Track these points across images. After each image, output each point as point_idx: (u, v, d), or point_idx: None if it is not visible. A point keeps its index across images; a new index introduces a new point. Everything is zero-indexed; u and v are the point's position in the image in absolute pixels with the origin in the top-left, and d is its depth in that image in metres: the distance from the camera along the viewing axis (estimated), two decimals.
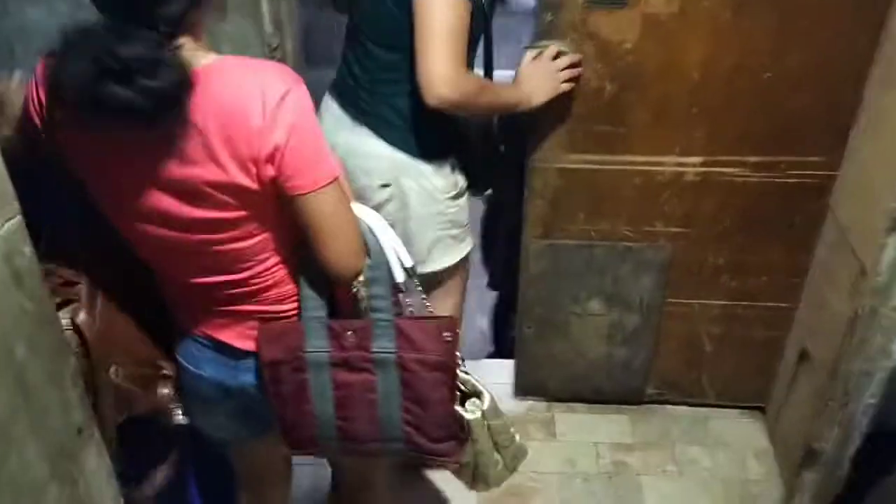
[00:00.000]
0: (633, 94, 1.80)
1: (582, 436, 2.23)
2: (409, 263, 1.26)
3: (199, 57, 1.06)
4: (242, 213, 1.13)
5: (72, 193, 1.22)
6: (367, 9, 1.65)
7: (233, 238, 1.16)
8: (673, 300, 2.09)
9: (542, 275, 2.09)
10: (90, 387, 1.17)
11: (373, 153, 1.70)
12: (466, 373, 1.34)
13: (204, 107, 1.03)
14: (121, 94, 0.94)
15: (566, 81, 1.76)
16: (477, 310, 2.67)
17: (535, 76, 1.74)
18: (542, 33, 1.76)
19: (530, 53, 1.75)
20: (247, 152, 1.05)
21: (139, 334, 1.36)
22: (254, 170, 1.07)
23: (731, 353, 2.17)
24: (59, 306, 1.20)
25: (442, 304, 1.80)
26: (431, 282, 1.77)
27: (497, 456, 1.42)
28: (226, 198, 1.10)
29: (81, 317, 1.23)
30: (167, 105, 0.98)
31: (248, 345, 1.29)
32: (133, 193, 1.12)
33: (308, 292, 1.25)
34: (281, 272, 1.25)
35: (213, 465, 1.73)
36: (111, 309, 1.30)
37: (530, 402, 2.35)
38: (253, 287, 1.24)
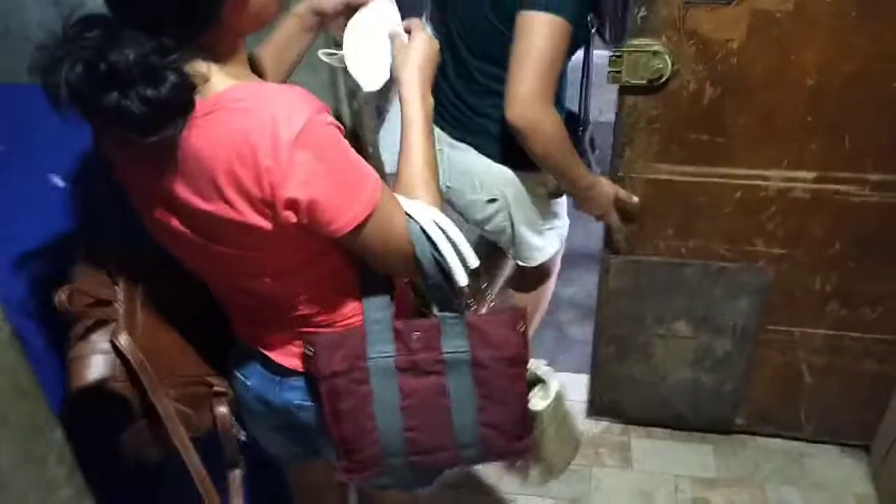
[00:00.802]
0: (737, 99, 1.60)
1: (660, 466, 2.05)
2: (474, 264, 1.11)
3: (215, 81, 0.93)
4: (265, 252, 1.01)
5: (110, 203, 1.14)
6: (467, 21, 1.62)
7: (262, 273, 1.05)
8: (771, 327, 1.89)
9: (623, 292, 1.91)
10: (148, 415, 1.11)
11: (477, 170, 1.73)
12: None
13: (211, 138, 0.91)
14: (112, 101, 0.84)
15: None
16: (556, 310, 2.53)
17: (600, 192, 1.72)
18: (634, 31, 1.58)
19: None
20: (257, 194, 0.92)
21: (187, 350, 1.27)
22: (269, 212, 0.94)
23: (833, 386, 1.95)
24: (92, 329, 1.11)
25: (542, 292, 2.05)
26: (537, 274, 1.98)
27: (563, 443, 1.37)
28: (243, 237, 0.98)
29: (123, 339, 1.13)
30: (162, 117, 0.87)
31: (294, 363, 1.18)
32: (155, 209, 1.03)
33: (368, 291, 1.14)
34: (331, 297, 1.13)
35: (268, 484, 1.64)
36: (155, 325, 1.20)
37: (605, 424, 2.19)
38: (297, 314, 1.13)
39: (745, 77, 1.57)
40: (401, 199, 1.06)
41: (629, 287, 1.90)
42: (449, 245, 1.06)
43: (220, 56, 0.95)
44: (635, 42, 1.58)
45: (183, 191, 0.95)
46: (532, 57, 1.44)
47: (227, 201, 0.93)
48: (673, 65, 1.58)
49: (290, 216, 0.93)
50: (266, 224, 0.95)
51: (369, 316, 1.13)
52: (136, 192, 1.06)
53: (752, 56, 1.55)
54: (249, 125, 0.89)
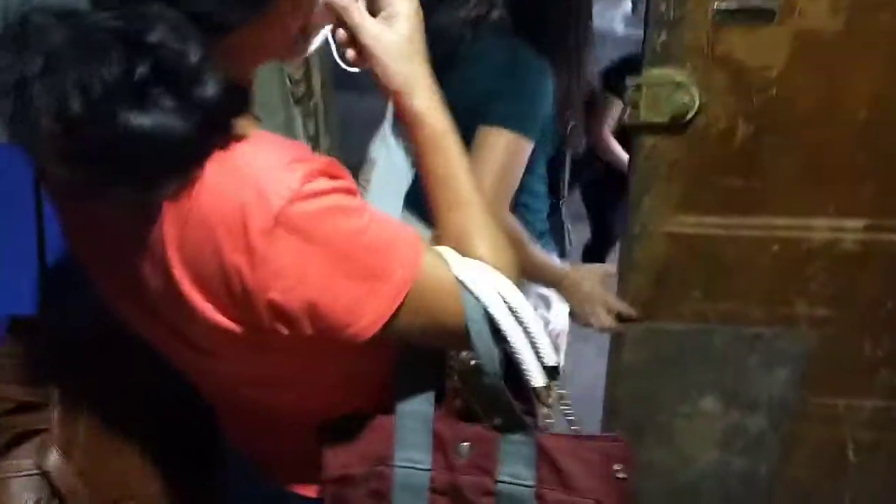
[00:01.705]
0: (777, 137, 1.35)
1: None
2: (552, 361, 0.80)
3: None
4: (250, 362, 0.73)
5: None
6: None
7: (266, 383, 0.80)
8: (812, 399, 1.62)
9: (640, 366, 1.63)
10: None
11: None
12: None
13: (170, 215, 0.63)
14: (139, 119, 0.57)
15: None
16: None
17: (586, 287, 1.56)
18: (654, 60, 1.32)
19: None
20: (226, 297, 0.65)
21: (149, 469, 0.96)
22: (245, 318, 0.66)
23: (882, 465, 1.69)
24: (15, 442, 0.83)
25: None
26: None
27: None
28: (216, 344, 0.70)
29: (52, 460, 0.83)
30: (211, 131, 0.61)
31: (304, 489, 0.90)
32: (109, 277, 0.76)
33: (405, 373, 0.83)
34: (360, 390, 0.85)
35: None
36: (102, 437, 0.89)
37: None
38: (315, 419, 0.84)
39: (785, 111, 1.33)
40: (450, 255, 0.76)
41: (647, 360, 1.62)
42: (518, 328, 0.75)
43: (239, 66, 0.69)
44: (655, 73, 1.33)
45: (135, 260, 0.69)
46: (487, 172, 1.34)
47: (186, 300, 0.66)
48: (700, 98, 1.33)
49: (279, 325, 0.65)
50: (246, 332, 0.67)
51: (403, 407, 0.82)
52: (89, 252, 0.78)
53: (795, 86, 1.31)
54: (218, 199, 0.62)
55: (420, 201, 1.43)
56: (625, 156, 2.72)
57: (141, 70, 0.56)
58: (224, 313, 0.67)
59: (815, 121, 1.33)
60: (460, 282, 0.75)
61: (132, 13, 0.58)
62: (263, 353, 0.72)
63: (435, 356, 0.82)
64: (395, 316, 0.70)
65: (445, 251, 0.78)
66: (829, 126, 1.33)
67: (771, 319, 1.53)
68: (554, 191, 1.72)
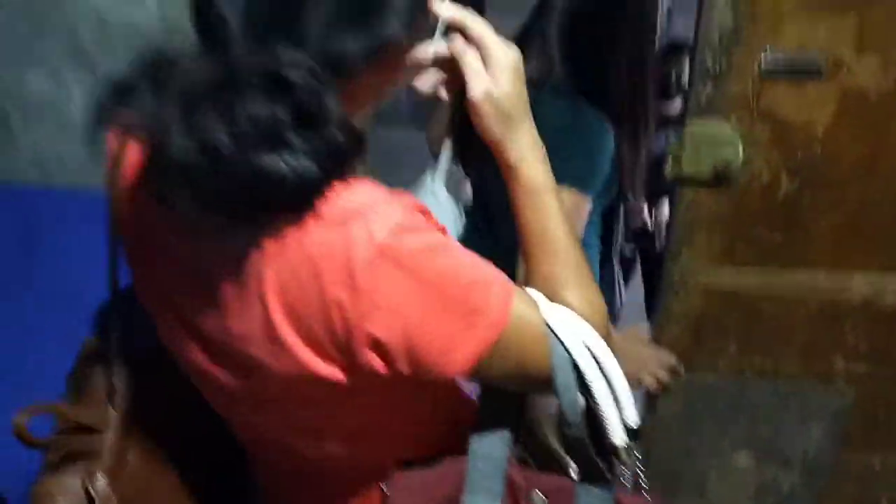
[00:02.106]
0: (821, 193, 1.34)
1: None
2: (633, 421, 0.78)
3: None
4: (335, 410, 0.73)
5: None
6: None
7: (331, 436, 0.78)
8: (847, 456, 1.59)
9: (675, 418, 1.61)
10: None
11: None
12: None
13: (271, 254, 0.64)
14: (269, 160, 0.57)
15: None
16: None
17: (633, 352, 1.46)
18: (698, 111, 1.32)
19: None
20: (324, 335, 0.64)
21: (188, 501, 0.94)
22: (341, 359, 0.65)
23: None
24: (69, 458, 0.83)
25: None
26: None
27: None
28: (298, 391, 0.69)
29: (98, 483, 0.82)
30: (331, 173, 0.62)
31: None
32: (177, 321, 0.75)
33: (484, 417, 0.81)
34: (428, 436, 0.84)
35: None
36: (150, 467, 0.89)
37: None
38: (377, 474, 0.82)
39: (830, 167, 1.32)
40: (540, 299, 0.76)
41: (682, 412, 1.59)
42: (604, 384, 0.74)
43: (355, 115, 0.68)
44: (699, 124, 1.32)
45: (217, 312, 0.68)
46: None
47: (277, 342, 0.66)
48: (744, 152, 1.32)
49: (377, 362, 0.65)
50: (338, 374, 0.66)
51: (477, 449, 0.79)
52: (151, 291, 0.79)
53: (841, 143, 1.30)
54: (316, 247, 0.63)
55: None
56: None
57: (282, 111, 0.57)
58: (322, 356, 0.66)
59: (859, 178, 1.32)
60: (549, 327, 0.73)
61: (267, 55, 0.59)
62: (349, 399, 0.71)
63: (515, 400, 0.80)
64: (485, 355, 0.68)
65: (535, 294, 0.76)
66: (872, 184, 1.32)
67: (808, 375, 1.51)
68: (606, 242, 1.68)
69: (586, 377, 0.73)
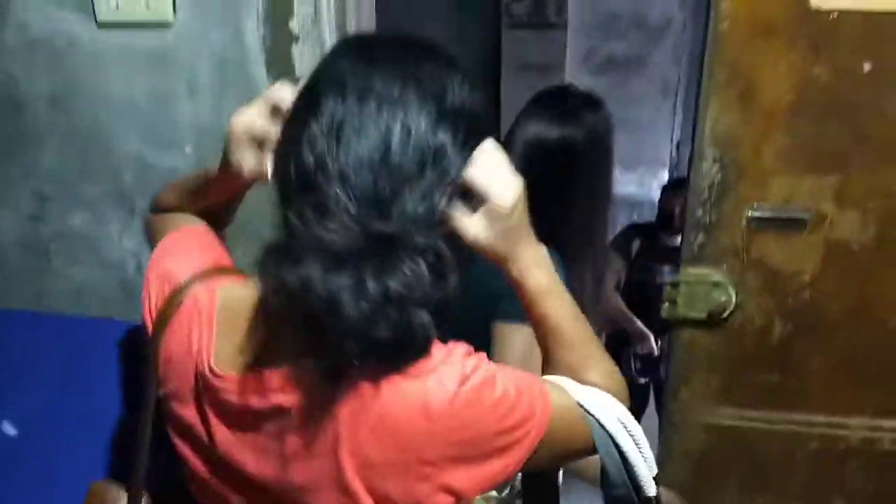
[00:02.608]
0: (812, 338, 1.40)
1: None
2: (651, 491, 0.89)
3: None
4: None
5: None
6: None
7: None
8: None
9: None
10: None
11: None
12: None
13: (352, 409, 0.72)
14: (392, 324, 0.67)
15: None
16: None
17: None
18: (691, 259, 1.40)
19: None
20: (396, 488, 0.73)
21: None
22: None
23: None
24: None
25: None
26: None
27: None
28: None
29: None
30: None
31: None
32: (219, 472, 0.81)
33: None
34: None
35: None
36: None
37: None
38: None
39: (820, 314, 1.38)
40: (567, 384, 0.86)
41: None
42: (635, 448, 0.85)
43: None
44: (693, 272, 1.40)
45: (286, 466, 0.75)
46: (511, 364, 1.35)
47: (347, 492, 0.73)
48: (736, 297, 1.39)
49: (444, 499, 0.74)
50: None
51: None
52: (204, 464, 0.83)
53: (828, 291, 1.37)
54: (397, 405, 0.71)
55: None
56: (625, 310, 2.90)
57: (422, 271, 0.67)
58: None
59: (848, 324, 1.38)
60: (583, 408, 0.83)
61: (396, 223, 0.69)
62: None
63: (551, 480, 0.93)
64: (536, 450, 0.77)
65: (563, 380, 0.85)
66: (861, 330, 1.38)
67: None
68: None
69: (621, 446, 0.83)
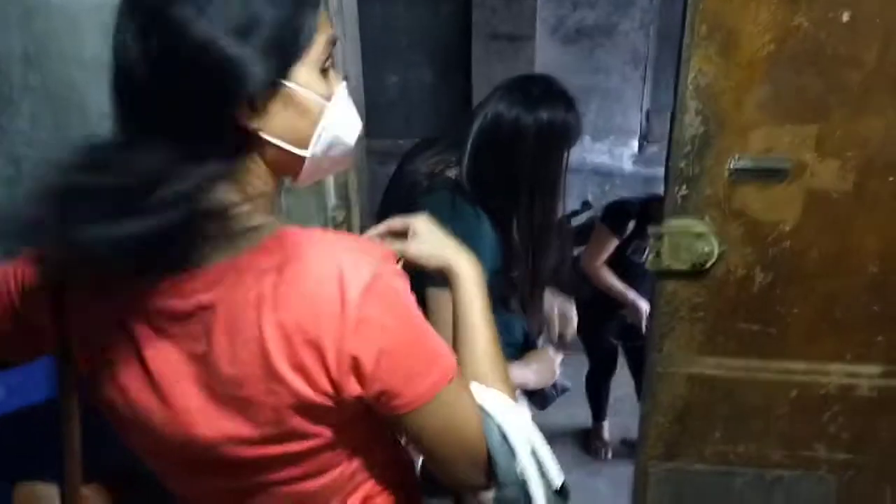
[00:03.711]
0: (792, 287, 1.43)
1: None
2: (557, 482, 0.90)
3: (260, 220, 0.79)
4: (315, 441, 0.82)
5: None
6: None
7: (304, 475, 0.85)
8: None
9: None
10: None
11: None
12: None
13: (258, 298, 0.75)
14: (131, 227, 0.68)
15: None
16: None
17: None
18: (674, 211, 1.41)
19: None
20: (316, 363, 0.75)
21: None
22: (328, 386, 0.76)
23: None
24: None
25: None
26: None
27: None
28: (291, 423, 0.79)
29: None
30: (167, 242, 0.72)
31: None
32: (156, 408, 0.82)
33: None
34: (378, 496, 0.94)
35: None
36: None
37: None
38: None
39: (799, 263, 1.41)
40: (475, 386, 0.91)
41: (670, 500, 1.63)
42: (529, 453, 0.86)
43: (248, 189, 0.80)
44: (676, 223, 1.41)
45: (209, 365, 0.79)
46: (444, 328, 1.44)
47: (276, 377, 0.76)
48: (719, 248, 1.41)
49: (352, 385, 0.76)
50: (325, 401, 0.77)
51: None
52: (120, 389, 0.83)
53: (808, 240, 1.39)
54: (314, 282, 0.75)
55: None
56: (618, 284, 2.89)
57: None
58: (313, 386, 0.76)
59: (828, 272, 1.41)
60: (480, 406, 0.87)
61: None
62: (324, 426, 0.81)
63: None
64: (433, 396, 0.81)
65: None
66: (840, 278, 1.41)
67: (791, 463, 1.56)
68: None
69: (514, 447, 0.86)
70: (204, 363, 0.78)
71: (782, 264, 1.41)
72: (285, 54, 0.76)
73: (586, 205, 3.26)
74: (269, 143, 0.79)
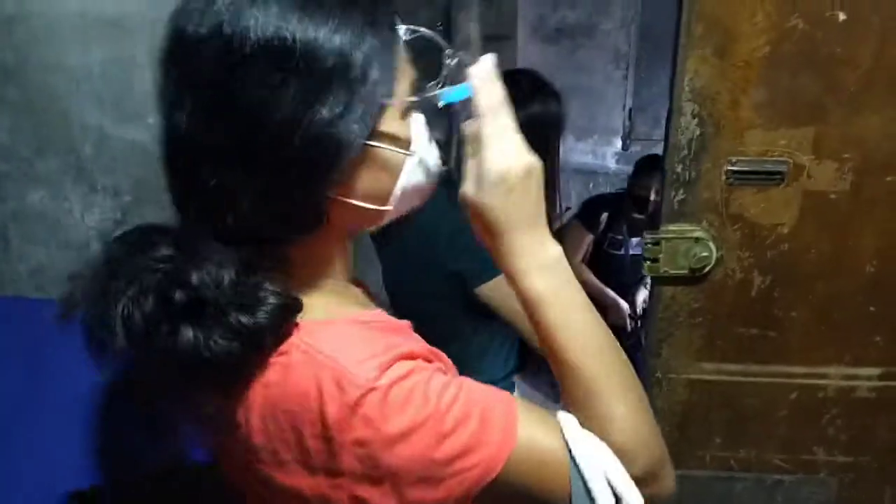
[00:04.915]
0: (790, 290, 1.41)
1: None
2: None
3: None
4: None
5: None
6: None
7: None
8: None
9: None
10: None
11: None
12: None
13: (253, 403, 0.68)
14: (187, 339, 0.62)
15: None
16: None
17: None
18: (671, 216, 1.39)
19: None
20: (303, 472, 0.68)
21: None
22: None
23: None
24: None
25: None
26: None
27: None
28: None
29: None
30: (251, 352, 0.65)
31: None
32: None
33: None
34: None
35: None
36: None
37: None
38: None
39: (797, 265, 1.40)
40: (569, 424, 0.71)
41: None
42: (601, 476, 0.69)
43: (313, 268, 0.75)
44: (673, 228, 1.40)
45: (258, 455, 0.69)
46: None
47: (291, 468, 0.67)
48: (717, 252, 1.39)
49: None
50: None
51: None
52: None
53: (806, 242, 1.38)
54: (291, 390, 0.65)
55: None
56: (597, 283, 2.87)
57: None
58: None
59: (826, 274, 1.39)
60: (572, 456, 0.69)
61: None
62: None
63: None
64: (489, 485, 0.67)
65: (565, 417, 0.73)
66: (838, 279, 1.39)
67: (791, 466, 1.54)
68: None
69: (593, 491, 0.69)
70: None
71: (780, 267, 1.40)
72: (371, 109, 0.68)
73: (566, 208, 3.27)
74: (346, 205, 0.71)
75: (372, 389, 0.63)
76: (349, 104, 0.65)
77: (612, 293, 2.85)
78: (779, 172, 1.34)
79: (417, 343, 0.73)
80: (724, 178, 1.36)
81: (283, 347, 0.67)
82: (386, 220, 0.77)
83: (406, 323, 0.79)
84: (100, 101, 1.35)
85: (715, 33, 1.28)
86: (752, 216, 1.38)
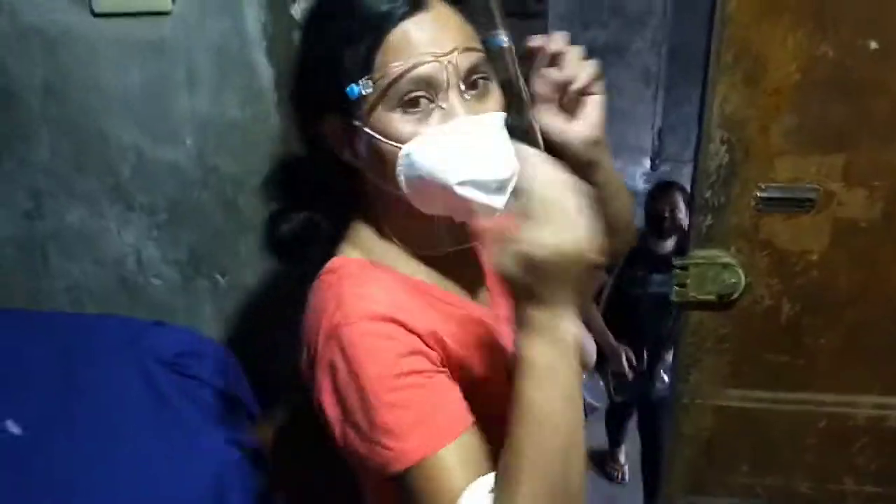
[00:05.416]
0: (819, 317, 1.40)
1: None
2: None
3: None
4: None
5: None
6: None
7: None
8: None
9: None
10: None
11: None
12: None
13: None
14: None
15: None
16: None
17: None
18: (700, 242, 1.40)
19: None
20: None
21: None
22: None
23: None
24: None
25: None
26: None
27: None
28: None
29: None
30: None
31: None
32: None
33: None
34: None
35: None
36: None
37: None
38: None
39: (827, 292, 1.39)
40: (482, 483, 0.71)
41: None
42: None
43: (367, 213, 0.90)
44: (702, 253, 1.39)
45: None
46: None
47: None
48: (745, 278, 1.39)
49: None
50: None
51: None
52: None
53: (835, 270, 1.37)
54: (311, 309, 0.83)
55: None
56: (601, 325, 2.75)
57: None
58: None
59: (855, 302, 1.38)
60: None
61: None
62: None
63: None
64: (401, 476, 0.71)
65: (485, 480, 0.71)
66: (869, 308, 1.38)
67: (819, 495, 1.53)
68: None
69: None
70: None
71: (810, 294, 1.39)
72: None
73: None
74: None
75: (350, 325, 0.75)
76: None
77: (611, 339, 2.76)
78: (809, 199, 1.34)
79: (430, 323, 0.79)
80: (753, 204, 1.35)
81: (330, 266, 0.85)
82: (425, 208, 0.81)
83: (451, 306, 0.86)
84: (137, 122, 1.38)
85: (745, 60, 1.29)
86: (781, 243, 1.37)
